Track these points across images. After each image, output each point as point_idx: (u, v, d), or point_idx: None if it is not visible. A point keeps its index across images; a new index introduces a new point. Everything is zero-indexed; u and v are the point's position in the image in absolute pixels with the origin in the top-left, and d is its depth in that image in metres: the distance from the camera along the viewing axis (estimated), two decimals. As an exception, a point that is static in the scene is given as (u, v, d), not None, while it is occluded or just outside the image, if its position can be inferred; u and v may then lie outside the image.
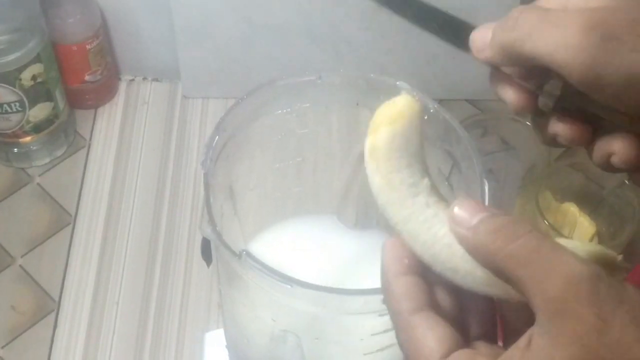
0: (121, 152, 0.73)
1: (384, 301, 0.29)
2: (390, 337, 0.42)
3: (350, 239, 0.55)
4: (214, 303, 0.64)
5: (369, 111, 0.46)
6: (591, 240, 0.61)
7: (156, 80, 0.78)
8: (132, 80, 0.78)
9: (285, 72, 0.47)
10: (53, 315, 0.63)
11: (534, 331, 0.25)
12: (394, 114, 0.30)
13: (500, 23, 0.31)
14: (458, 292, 0.30)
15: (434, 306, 0.28)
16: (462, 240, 0.28)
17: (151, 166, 0.72)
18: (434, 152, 0.45)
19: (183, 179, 0.71)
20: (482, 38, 0.32)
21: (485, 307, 0.30)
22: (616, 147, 0.31)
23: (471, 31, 0.33)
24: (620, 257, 0.29)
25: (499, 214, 0.27)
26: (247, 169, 0.51)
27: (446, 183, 0.45)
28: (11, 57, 0.64)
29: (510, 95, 0.32)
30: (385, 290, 0.29)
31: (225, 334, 0.57)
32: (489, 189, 0.41)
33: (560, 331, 0.25)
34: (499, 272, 0.27)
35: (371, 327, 0.42)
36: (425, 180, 0.30)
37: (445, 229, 0.29)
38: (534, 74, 0.31)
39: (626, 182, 0.58)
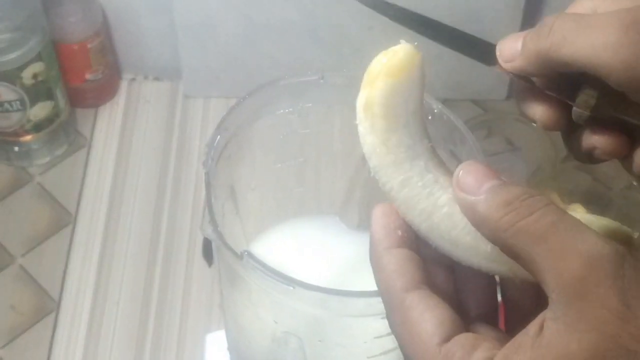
0: (122, 151, 0.72)
1: (375, 278, 0.26)
2: (394, 340, 0.41)
3: (352, 240, 0.55)
4: (215, 304, 0.64)
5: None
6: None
7: (157, 79, 0.77)
8: (133, 79, 0.77)
9: (287, 72, 0.47)
10: (53, 315, 0.63)
11: (546, 316, 0.23)
12: (393, 64, 0.27)
13: (532, 31, 0.29)
14: (456, 269, 0.27)
15: (429, 284, 0.26)
16: (467, 211, 0.25)
17: (152, 166, 0.71)
18: (438, 153, 0.45)
19: (184, 178, 0.71)
20: (511, 47, 0.30)
21: (486, 287, 0.28)
22: None
23: (483, 45, 0.31)
24: (637, 234, 0.27)
25: (512, 183, 0.25)
26: (248, 169, 0.51)
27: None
28: (12, 55, 0.63)
29: (540, 110, 0.30)
30: (375, 264, 0.26)
31: (227, 336, 0.57)
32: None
33: (579, 316, 0.22)
34: (508, 248, 0.24)
35: (374, 329, 0.42)
36: (425, 142, 0.27)
37: (446, 197, 0.26)
38: (564, 84, 0.30)
39: (634, 183, 0.58)
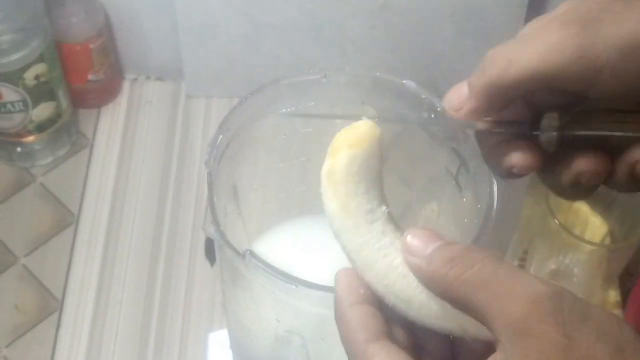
0: (124, 151, 0.72)
1: (339, 332, 0.28)
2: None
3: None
4: (217, 303, 0.64)
5: (374, 110, 0.46)
6: (603, 240, 0.60)
7: (159, 79, 0.77)
8: (136, 79, 0.77)
9: (289, 71, 0.47)
10: (56, 314, 0.63)
11: (497, 357, 0.24)
12: (353, 138, 0.29)
13: (474, 73, 0.30)
14: (412, 327, 0.29)
15: (391, 338, 0.27)
16: (416, 271, 0.27)
17: (154, 166, 0.72)
18: (441, 151, 0.45)
19: (186, 178, 0.71)
20: (458, 94, 0.31)
21: (441, 344, 0.29)
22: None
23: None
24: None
25: (454, 242, 0.27)
26: (251, 169, 0.51)
27: (454, 182, 0.45)
28: (14, 56, 0.63)
29: (514, 157, 0.30)
30: (339, 320, 0.28)
31: (229, 335, 0.57)
32: (497, 188, 0.40)
33: (525, 352, 0.23)
34: (456, 301, 0.26)
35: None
36: (383, 208, 0.29)
37: (400, 259, 0.28)
38: (524, 114, 0.30)
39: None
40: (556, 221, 0.57)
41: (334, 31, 0.70)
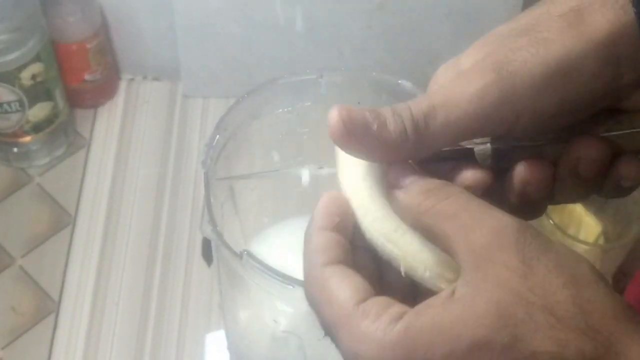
0: (121, 151, 0.72)
1: (303, 252, 0.28)
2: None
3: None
4: (214, 304, 0.64)
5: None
6: (597, 240, 0.60)
7: (156, 79, 0.77)
8: (132, 79, 0.77)
9: (286, 71, 0.47)
10: (53, 316, 0.63)
11: (457, 283, 0.25)
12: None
13: (385, 118, 0.28)
14: (378, 260, 0.29)
15: (350, 265, 0.27)
16: (394, 202, 0.28)
17: (151, 166, 0.71)
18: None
19: (183, 178, 0.71)
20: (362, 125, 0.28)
21: (403, 278, 0.29)
22: (583, 151, 0.29)
23: None
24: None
25: (430, 177, 0.28)
26: (247, 169, 0.51)
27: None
28: (11, 56, 0.63)
29: (465, 176, 0.29)
30: (305, 241, 0.28)
31: (226, 335, 0.57)
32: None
33: (485, 277, 0.25)
34: (426, 230, 0.27)
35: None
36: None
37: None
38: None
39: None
40: (550, 221, 0.57)
41: (330, 31, 0.70)
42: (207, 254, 0.64)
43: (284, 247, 0.55)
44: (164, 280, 0.65)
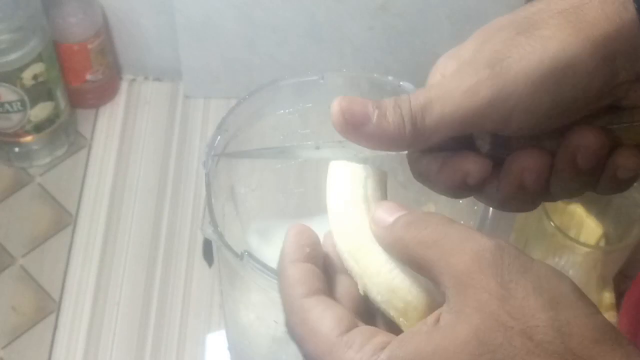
0: (122, 152, 0.72)
1: (279, 287, 0.28)
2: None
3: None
4: (215, 304, 0.64)
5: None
6: (598, 242, 0.60)
7: (158, 79, 0.77)
8: (134, 79, 0.77)
9: (287, 72, 0.47)
10: (54, 316, 0.63)
11: (442, 309, 0.25)
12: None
13: (384, 110, 0.29)
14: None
15: (329, 295, 0.28)
16: (379, 239, 0.28)
17: (152, 166, 0.72)
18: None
19: (184, 179, 0.71)
20: (363, 110, 0.29)
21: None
22: (582, 140, 0.29)
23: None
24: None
25: (415, 211, 0.28)
26: (248, 170, 0.51)
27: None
28: (12, 56, 0.63)
29: (465, 165, 0.30)
30: (280, 274, 0.28)
31: (227, 336, 0.57)
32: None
33: (465, 302, 0.24)
34: (412, 261, 0.27)
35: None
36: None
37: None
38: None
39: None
40: (552, 223, 0.57)
41: (332, 32, 0.70)
42: (208, 254, 0.64)
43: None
44: (165, 280, 0.65)
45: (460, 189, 0.30)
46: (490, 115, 0.28)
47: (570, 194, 0.31)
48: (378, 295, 0.27)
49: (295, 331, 0.27)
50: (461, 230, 0.26)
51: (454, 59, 0.30)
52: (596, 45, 0.28)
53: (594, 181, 0.30)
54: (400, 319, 0.27)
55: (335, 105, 0.28)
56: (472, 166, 0.30)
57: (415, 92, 0.29)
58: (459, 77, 0.29)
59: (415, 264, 0.27)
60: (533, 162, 0.30)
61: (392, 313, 0.27)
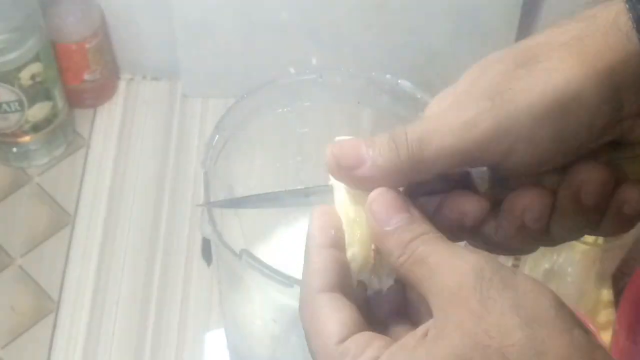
0: (121, 151, 0.72)
1: (302, 270, 0.28)
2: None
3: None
4: (214, 303, 0.64)
5: (370, 110, 0.46)
6: (596, 239, 0.60)
7: (156, 79, 0.77)
8: (132, 79, 0.77)
9: (285, 71, 0.47)
10: (52, 315, 0.63)
11: (429, 324, 0.26)
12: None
13: (377, 144, 0.28)
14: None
15: (344, 289, 0.28)
16: (376, 237, 0.28)
17: (151, 166, 0.71)
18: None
19: (183, 178, 0.71)
20: (355, 152, 0.28)
21: (398, 291, 0.30)
22: (586, 176, 0.28)
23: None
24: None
25: (416, 220, 0.27)
26: (247, 169, 0.51)
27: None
28: (10, 56, 0.63)
29: (463, 205, 0.29)
30: (304, 257, 0.28)
31: (226, 334, 0.57)
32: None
33: (447, 319, 0.25)
34: (404, 279, 0.27)
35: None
36: None
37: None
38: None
39: None
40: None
41: (331, 31, 0.70)
42: (207, 253, 0.64)
43: (283, 246, 0.55)
44: (164, 279, 0.65)
45: (457, 231, 0.30)
46: (490, 148, 0.27)
47: (571, 235, 0.30)
48: (352, 262, 0.28)
49: (304, 323, 0.28)
50: (449, 247, 0.26)
51: (450, 94, 0.29)
52: (601, 77, 0.27)
53: (597, 219, 0.29)
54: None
55: (329, 153, 0.28)
56: (470, 206, 0.29)
57: (412, 125, 0.28)
58: (457, 109, 0.28)
59: (407, 281, 0.27)
60: (534, 201, 0.29)
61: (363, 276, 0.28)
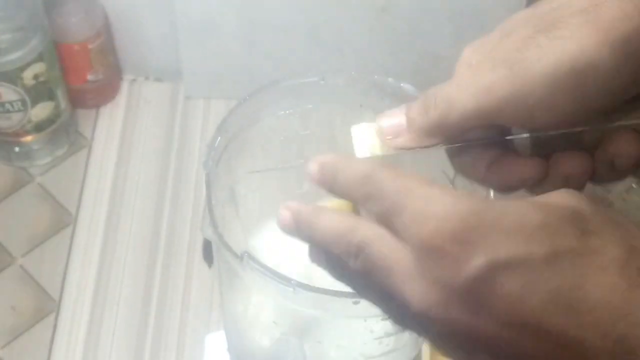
0: (122, 152, 0.72)
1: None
2: (394, 341, 0.41)
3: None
4: (215, 305, 0.64)
5: (372, 112, 0.46)
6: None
7: (158, 80, 0.77)
8: (134, 80, 0.77)
9: (288, 73, 0.47)
10: (53, 315, 0.63)
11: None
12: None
13: (415, 106, 0.31)
14: None
15: None
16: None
17: (153, 167, 0.72)
18: (438, 154, 0.45)
19: (184, 179, 0.71)
20: (393, 122, 0.32)
21: None
22: (620, 148, 0.30)
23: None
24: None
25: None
26: (249, 170, 0.51)
27: (451, 186, 0.45)
28: (13, 56, 0.63)
29: (522, 171, 0.31)
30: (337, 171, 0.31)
31: (226, 336, 0.57)
32: (494, 191, 0.40)
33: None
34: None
35: (374, 330, 0.42)
36: None
37: None
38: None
39: (633, 186, 0.58)
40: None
41: (333, 33, 0.70)
42: (208, 255, 0.63)
43: (285, 249, 0.55)
44: (165, 280, 0.65)
45: (514, 189, 0.31)
46: (509, 114, 0.29)
47: (602, 183, 0.32)
48: None
49: (366, 182, 0.28)
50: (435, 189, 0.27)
51: (478, 52, 0.31)
52: (616, 45, 0.28)
53: (630, 174, 0.31)
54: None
55: (378, 122, 0.32)
56: (529, 170, 0.31)
57: (441, 87, 0.31)
58: (477, 76, 0.30)
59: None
60: (577, 168, 0.31)
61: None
